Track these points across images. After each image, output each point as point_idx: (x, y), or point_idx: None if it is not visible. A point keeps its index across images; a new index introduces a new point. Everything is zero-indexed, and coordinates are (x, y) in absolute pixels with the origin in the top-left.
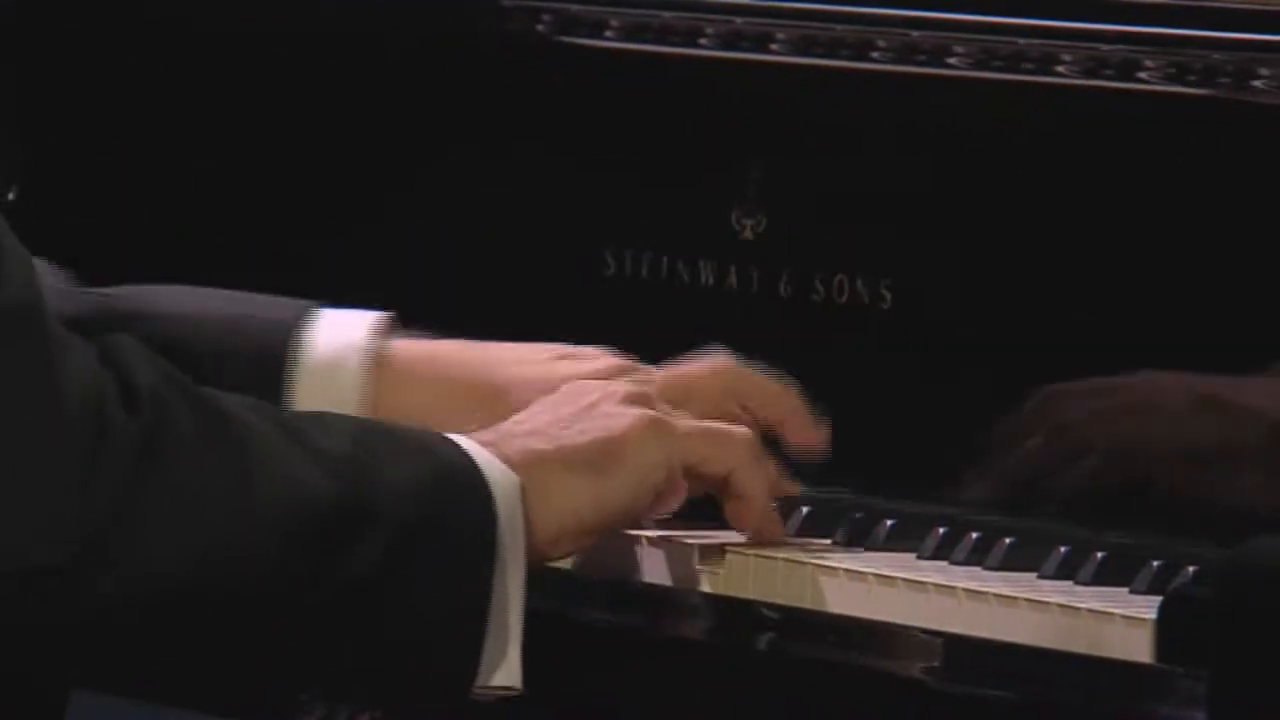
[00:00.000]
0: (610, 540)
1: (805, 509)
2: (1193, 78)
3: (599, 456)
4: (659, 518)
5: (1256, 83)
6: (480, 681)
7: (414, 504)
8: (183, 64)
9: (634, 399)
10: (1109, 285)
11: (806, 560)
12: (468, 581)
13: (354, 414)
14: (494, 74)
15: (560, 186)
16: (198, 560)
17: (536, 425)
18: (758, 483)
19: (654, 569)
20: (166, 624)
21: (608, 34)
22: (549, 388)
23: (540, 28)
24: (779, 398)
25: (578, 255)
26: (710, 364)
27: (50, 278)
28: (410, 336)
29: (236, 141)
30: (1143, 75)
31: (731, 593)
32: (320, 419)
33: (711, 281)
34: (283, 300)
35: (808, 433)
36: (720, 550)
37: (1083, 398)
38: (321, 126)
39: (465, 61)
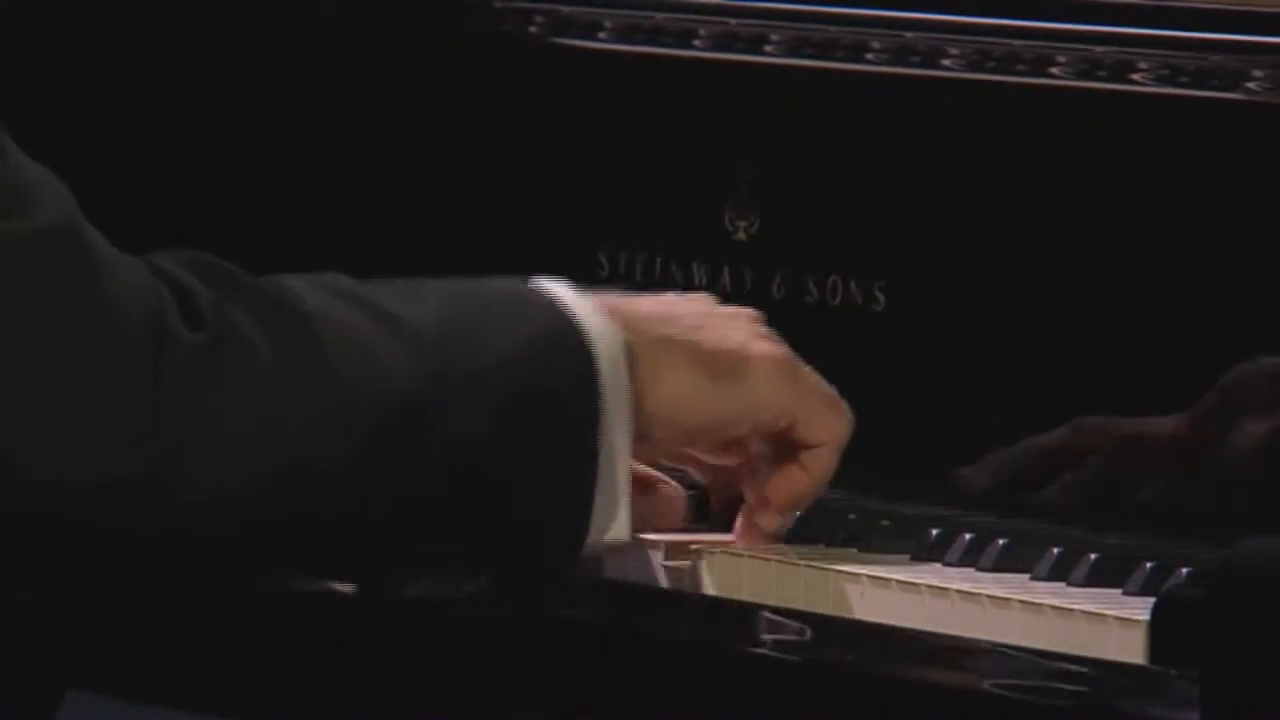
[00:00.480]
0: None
1: (798, 512)
2: (1186, 79)
3: (724, 366)
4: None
5: (1250, 84)
6: (592, 537)
7: (512, 371)
8: (178, 64)
9: (776, 339)
10: (1103, 286)
11: (800, 562)
12: (574, 439)
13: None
14: (488, 75)
15: (554, 187)
16: (274, 463)
17: (673, 312)
18: (828, 466)
19: (646, 568)
20: (247, 528)
21: (601, 35)
22: None
23: (533, 29)
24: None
25: (571, 256)
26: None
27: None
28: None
29: (231, 142)
30: (1136, 77)
31: (724, 594)
32: (410, 289)
33: (705, 282)
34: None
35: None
36: (712, 551)
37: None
38: (316, 128)
39: (459, 63)
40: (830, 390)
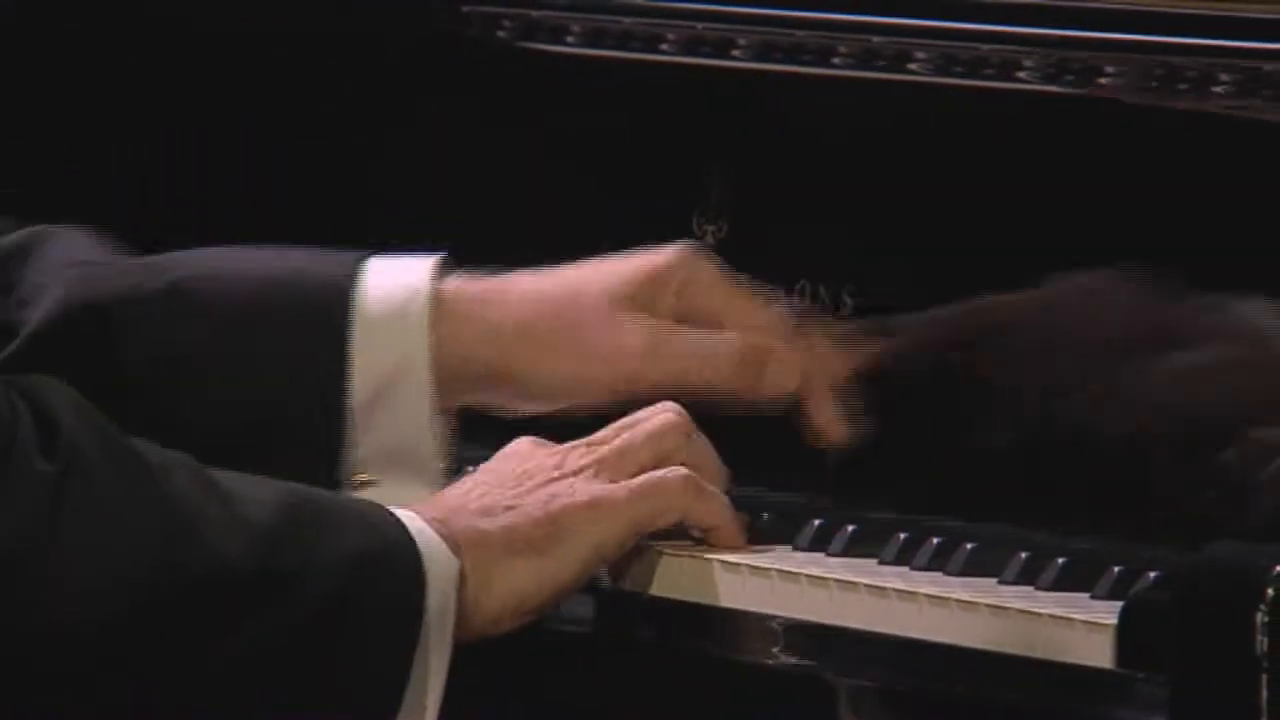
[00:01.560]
0: None
1: (766, 515)
2: (1154, 83)
3: (541, 538)
4: None
5: (1217, 89)
6: None
7: (336, 580)
8: (153, 64)
9: (585, 469)
10: (1071, 290)
11: (769, 566)
12: (387, 662)
13: (424, 361)
14: (455, 79)
15: (521, 192)
16: (99, 612)
17: (485, 502)
18: (714, 514)
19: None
20: (61, 671)
21: (569, 40)
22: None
23: (501, 33)
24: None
25: (540, 261)
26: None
27: (95, 249)
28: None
29: (197, 143)
30: (1103, 81)
31: (687, 597)
32: (254, 483)
33: None
34: (333, 254)
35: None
36: (682, 555)
37: (1043, 401)
38: (281, 130)
39: (427, 67)
40: (642, 483)
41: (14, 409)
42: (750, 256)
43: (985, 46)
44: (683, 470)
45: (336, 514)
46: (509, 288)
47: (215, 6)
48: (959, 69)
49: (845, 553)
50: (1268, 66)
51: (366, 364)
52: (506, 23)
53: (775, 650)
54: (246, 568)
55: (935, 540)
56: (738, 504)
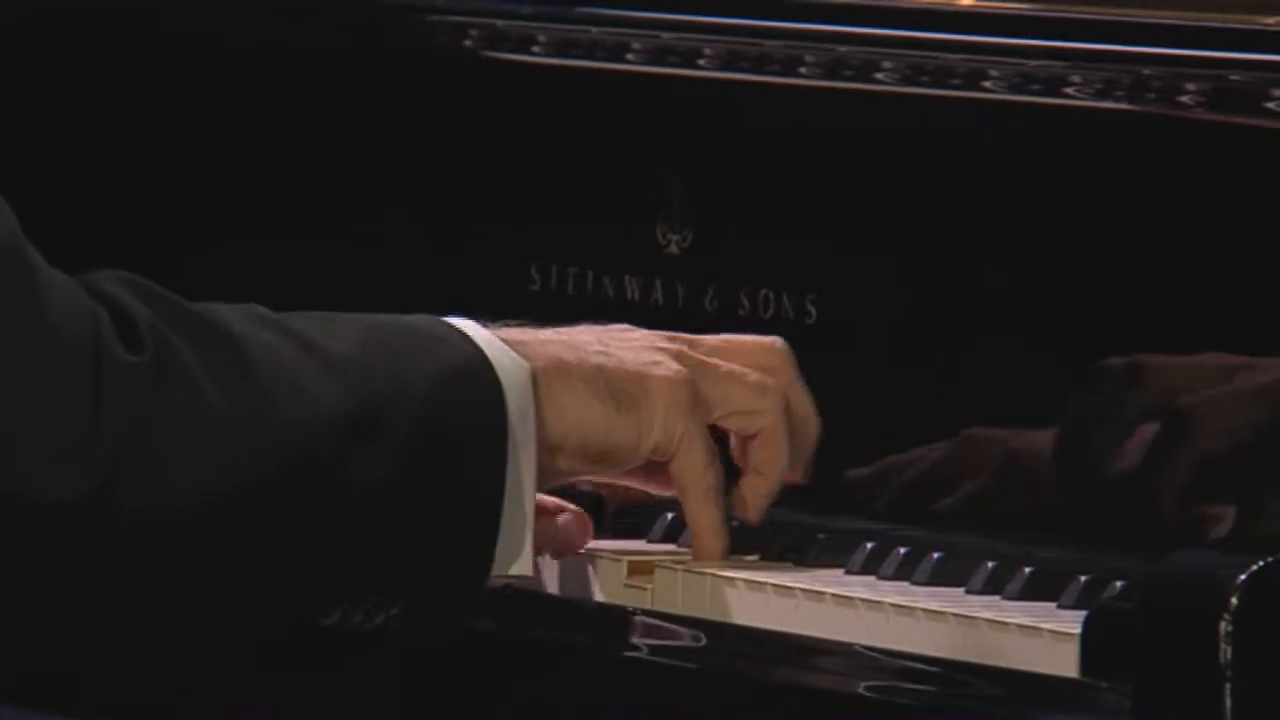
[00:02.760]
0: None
1: (734, 523)
2: (1120, 93)
3: (623, 389)
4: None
5: (1184, 98)
6: (496, 570)
7: (426, 402)
8: (120, 73)
9: (678, 357)
10: (1036, 302)
11: (735, 576)
12: (481, 474)
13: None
14: (421, 88)
15: (486, 202)
16: (213, 488)
17: (574, 340)
18: (781, 451)
19: (581, 584)
20: (186, 552)
21: (535, 49)
22: None
23: (467, 43)
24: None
25: (504, 270)
26: (763, 342)
27: None
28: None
29: (163, 153)
30: (1069, 90)
31: (660, 608)
32: (329, 321)
33: (637, 296)
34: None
35: (797, 469)
36: (649, 566)
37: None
38: (248, 141)
39: (392, 76)
40: (747, 372)
41: (93, 311)
42: (714, 266)
43: (952, 56)
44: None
45: (409, 336)
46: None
47: (177, 16)
48: (925, 79)
49: (813, 563)
50: (1234, 76)
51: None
52: (473, 32)
53: (742, 659)
54: (344, 409)
55: (902, 550)
56: None
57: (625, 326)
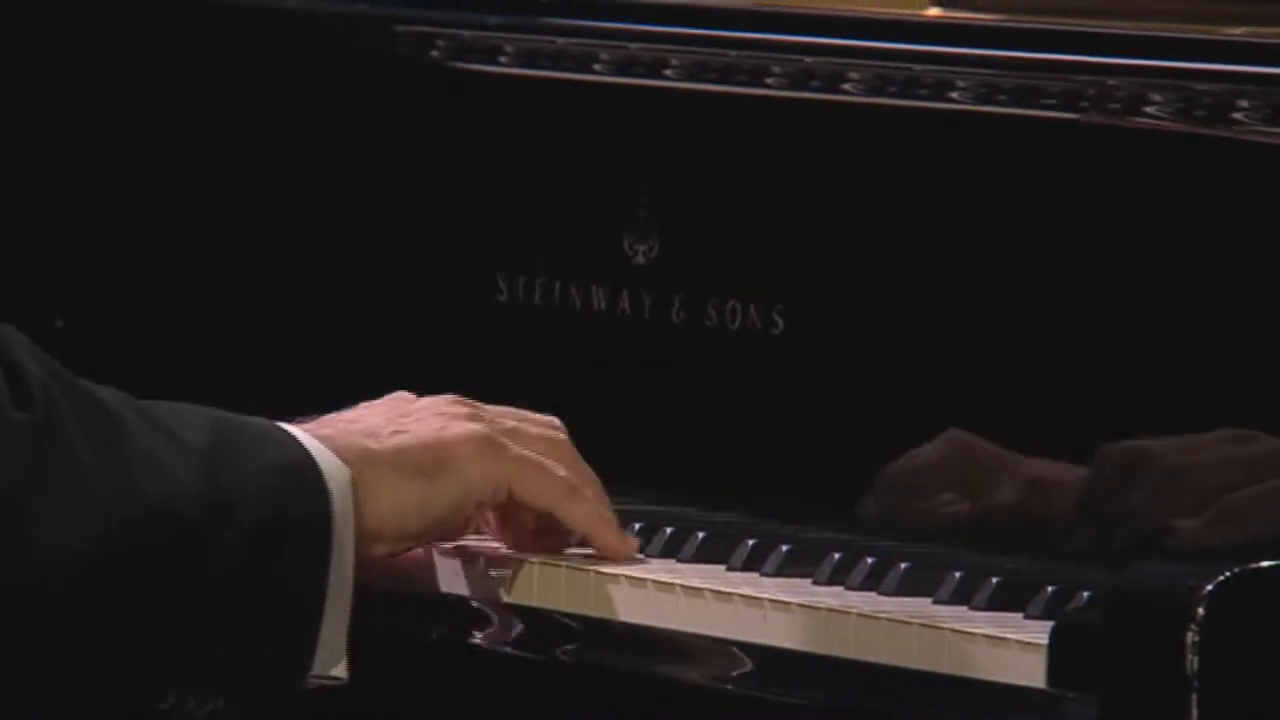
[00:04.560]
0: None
1: (701, 534)
2: (1085, 103)
3: (429, 461)
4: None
5: (1148, 108)
6: (315, 670)
7: (265, 497)
8: (82, 83)
9: (469, 416)
10: (1004, 311)
11: (700, 585)
12: (308, 572)
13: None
14: (387, 99)
15: (452, 211)
16: (82, 551)
17: (370, 425)
18: (580, 513)
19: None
20: (47, 612)
21: (502, 59)
22: None
23: (434, 53)
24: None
25: (470, 281)
26: (546, 425)
27: None
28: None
29: (130, 163)
30: (1036, 101)
31: (642, 621)
32: (178, 411)
33: (604, 307)
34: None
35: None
36: (624, 579)
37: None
38: (214, 150)
39: (358, 86)
40: (533, 455)
41: None
42: (681, 277)
43: (918, 67)
44: (563, 473)
45: (251, 431)
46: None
47: (143, 25)
48: (892, 89)
49: (779, 573)
50: (1200, 86)
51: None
52: (440, 42)
53: (715, 671)
54: (198, 491)
55: (869, 560)
56: (672, 523)
57: (406, 396)
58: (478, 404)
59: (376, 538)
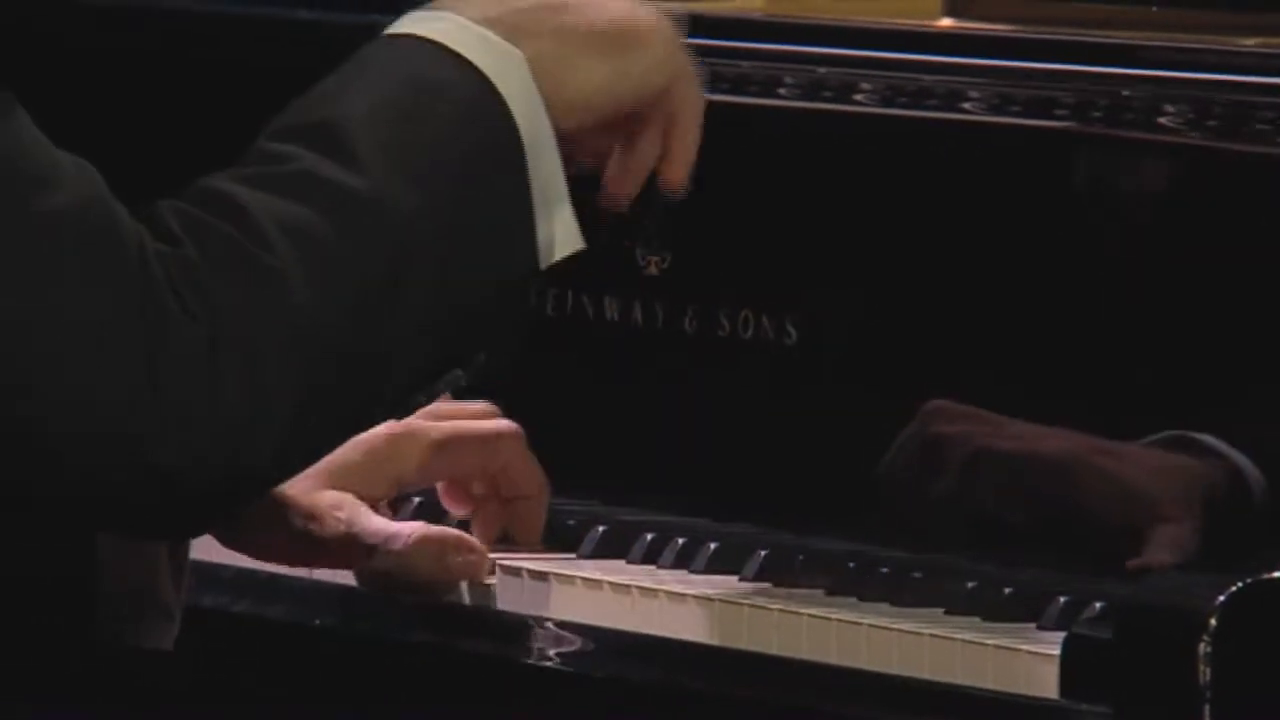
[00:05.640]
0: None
1: (713, 545)
2: (1098, 115)
3: (618, 40)
4: None
5: (1164, 119)
6: (544, 262)
7: (448, 178)
8: (102, 92)
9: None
10: (1018, 322)
11: (715, 598)
12: (509, 196)
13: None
14: None
15: None
16: (294, 396)
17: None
18: (691, 141)
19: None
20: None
21: None
22: None
23: None
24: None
25: None
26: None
27: None
28: None
29: (144, 170)
30: (1049, 111)
31: (655, 632)
32: (340, 144)
33: (616, 317)
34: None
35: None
36: (636, 590)
37: (984, 434)
38: (222, 161)
39: None
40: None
41: (158, 270)
42: (693, 287)
43: (931, 77)
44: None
45: (410, 105)
46: None
47: (156, 35)
48: (905, 100)
49: (793, 583)
50: (1214, 97)
51: None
52: None
53: (727, 680)
54: (380, 257)
55: (883, 570)
56: (685, 533)
57: None
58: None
59: (569, 113)
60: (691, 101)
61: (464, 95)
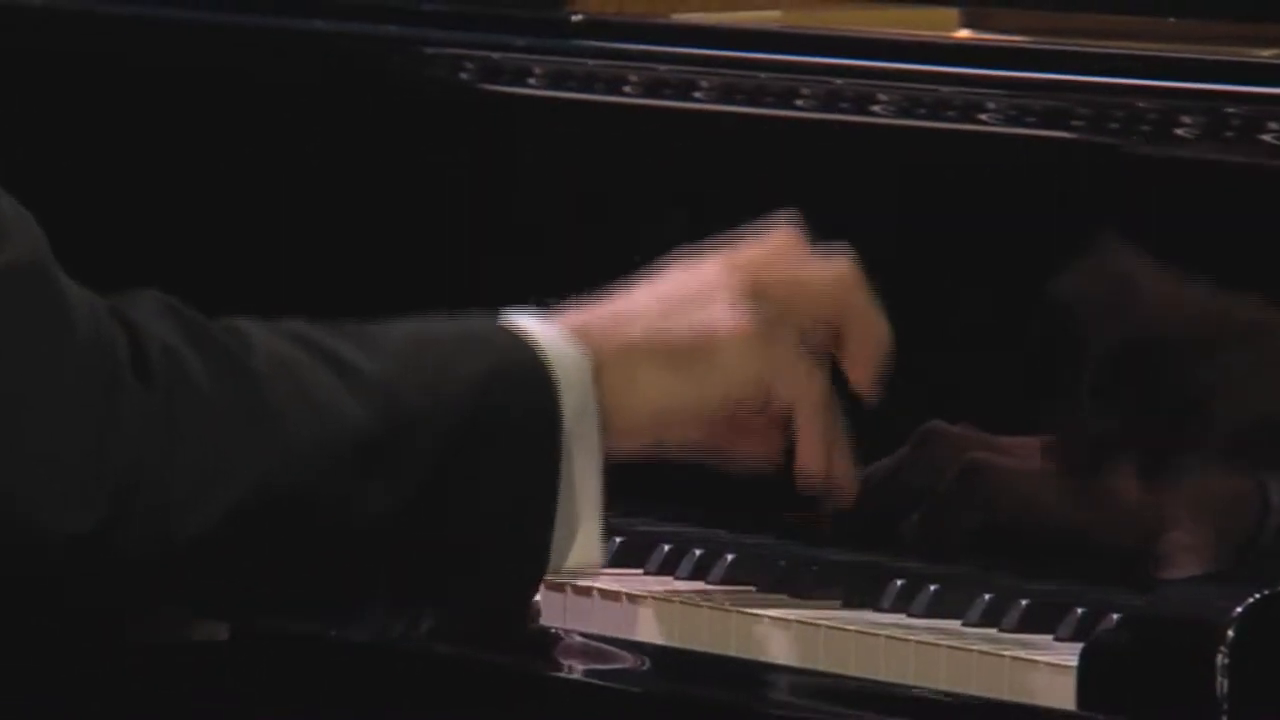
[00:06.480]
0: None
1: (730, 556)
2: (1115, 124)
3: (692, 354)
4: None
5: (1179, 130)
6: (554, 566)
7: (467, 405)
8: (124, 105)
9: (746, 293)
10: (1034, 333)
11: (733, 609)
12: (530, 473)
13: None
14: (417, 120)
15: (482, 234)
16: (226, 510)
17: (636, 309)
18: (822, 423)
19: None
20: (205, 567)
21: (531, 82)
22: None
23: (463, 75)
24: (876, 339)
25: (499, 303)
26: (833, 269)
27: None
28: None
29: (155, 187)
30: (1065, 123)
31: (673, 643)
32: (363, 335)
33: None
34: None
35: (869, 373)
36: (653, 600)
37: (998, 447)
38: (244, 173)
39: (387, 109)
40: (800, 354)
41: (113, 339)
42: None
43: (948, 89)
44: (825, 385)
45: (452, 343)
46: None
47: (174, 50)
48: (922, 111)
49: (809, 595)
50: (1229, 109)
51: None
52: (469, 64)
53: (744, 692)
54: (368, 421)
55: (899, 582)
56: (702, 544)
57: (683, 269)
58: (760, 265)
59: (631, 431)
60: (802, 393)
61: (512, 359)
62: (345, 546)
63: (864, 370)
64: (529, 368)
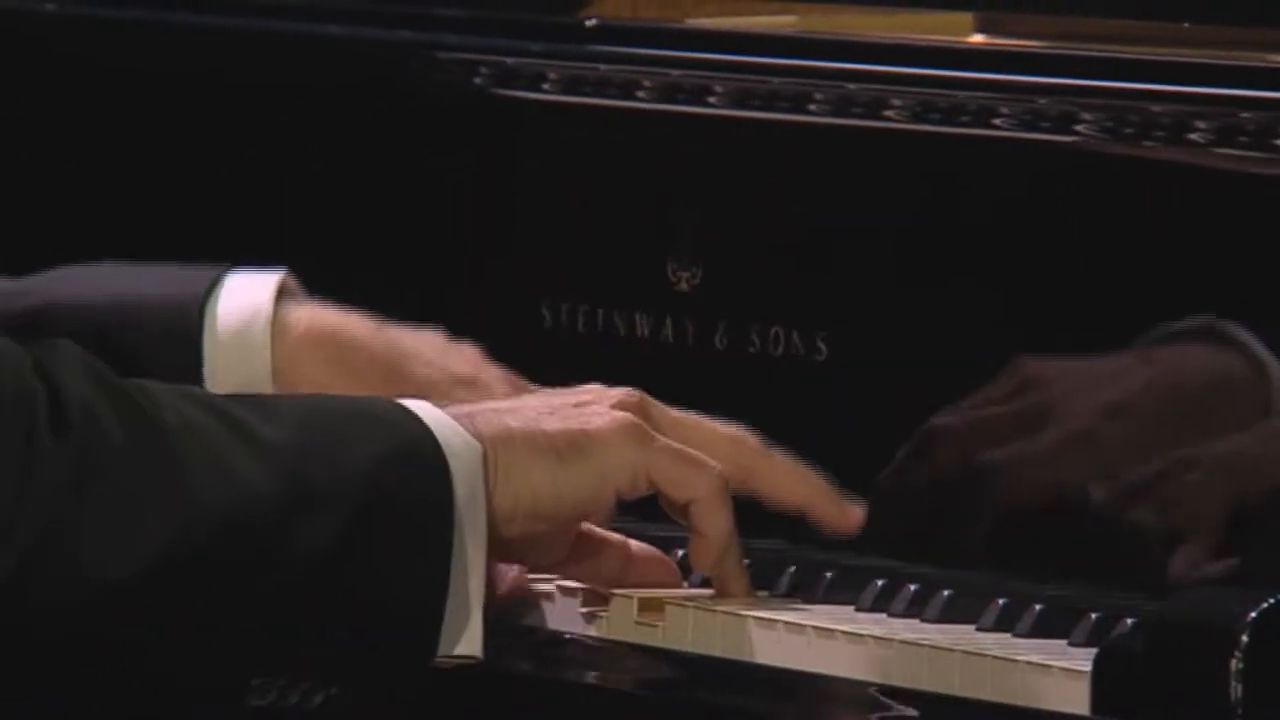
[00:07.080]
0: (547, 593)
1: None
2: (1131, 130)
3: (567, 446)
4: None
5: (1192, 135)
6: (442, 651)
7: (363, 484)
8: (135, 113)
9: (624, 405)
10: (1048, 340)
11: (745, 613)
12: (425, 555)
13: (265, 382)
14: (431, 125)
15: (496, 238)
16: (136, 569)
17: (519, 405)
18: (717, 520)
19: (593, 622)
20: (112, 627)
21: (545, 87)
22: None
23: (477, 80)
24: (799, 480)
25: (513, 309)
26: (732, 432)
27: None
28: (320, 303)
29: (173, 193)
30: (1080, 128)
31: (670, 646)
32: (267, 404)
33: (647, 334)
34: (193, 272)
35: (838, 515)
36: (659, 603)
37: (1018, 451)
38: (258, 180)
39: (401, 114)
40: (682, 447)
41: (32, 392)
42: (724, 303)
43: (962, 94)
44: (720, 468)
45: (358, 416)
46: (372, 334)
47: (190, 56)
48: (936, 116)
49: (822, 599)
50: (1244, 114)
51: (217, 385)
52: (483, 69)
53: (748, 697)
54: (273, 489)
55: (912, 587)
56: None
57: (592, 388)
58: (656, 404)
59: (508, 519)
60: (680, 486)
61: (410, 442)
62: (245, 614)
63: (828, 516)
64: (424, 449)
